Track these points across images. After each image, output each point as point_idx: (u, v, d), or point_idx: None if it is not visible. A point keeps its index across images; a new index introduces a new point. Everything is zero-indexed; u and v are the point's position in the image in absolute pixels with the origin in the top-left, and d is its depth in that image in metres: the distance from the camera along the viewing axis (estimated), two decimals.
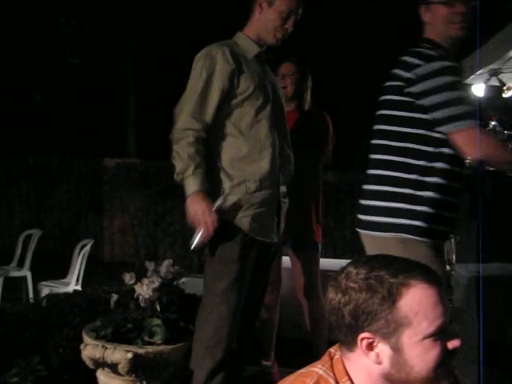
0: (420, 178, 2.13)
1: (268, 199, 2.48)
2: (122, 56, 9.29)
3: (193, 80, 2.44)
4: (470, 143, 2.05)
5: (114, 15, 8.81)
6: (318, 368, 1.30)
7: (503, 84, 4.72)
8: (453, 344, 1.23)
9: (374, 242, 2.20)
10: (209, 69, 2.40)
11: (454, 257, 3.16)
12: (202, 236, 2.30)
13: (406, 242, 2.12)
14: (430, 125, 2.12)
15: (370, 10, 7.74)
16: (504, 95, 4.77)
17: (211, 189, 2.37)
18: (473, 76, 4.57)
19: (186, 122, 2.37)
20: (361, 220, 2.25)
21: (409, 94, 2.14)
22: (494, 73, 4.57)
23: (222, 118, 2.43)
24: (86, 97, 10.23)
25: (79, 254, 5.36)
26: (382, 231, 2.17)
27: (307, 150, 3.24)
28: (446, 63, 2.10)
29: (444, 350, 1.22)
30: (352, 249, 7.14)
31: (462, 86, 2.18)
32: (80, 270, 5.32)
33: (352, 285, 1.24)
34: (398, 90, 2.17)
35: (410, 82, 2.12)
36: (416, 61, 2.12)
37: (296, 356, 3.63)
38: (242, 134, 2.44)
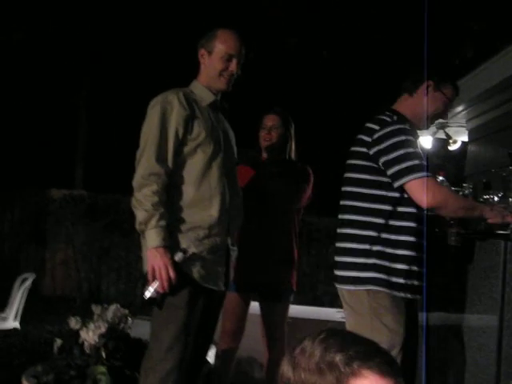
0: (383, 234, 2.31)
1: (217, 247, 2.48)
2: (74, 86, 9.20)
3: (150, 124, 2.43)
4: (421, 192, 2.25)
5: (70, 49, 8.74)
6: None
7: (449, 137, 4.92)
8: None
9: (346, 294, 2.39)
10: (166, 113, 2.41)
11: None
12: (156, 289, 2.29)
13: (373, 294, 2.29)
14: (389, 186, 2.32)
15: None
16: (450, 148, 4.97)
17: None
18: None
19: (149, 167, 2.35)
20: (336, 275, 2.42)
21: (369, 158, 2.33)
22: (441, 126, 4.76)
23: (174, 164, 2.44)
24: (35, 126, 10.03)
25: (19, 287, 5.17)
26: (352, 284, 2.34)
27: (283, 198, 3.27)
28: (398, 126, 2.33)
29: None
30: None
31: (412, 144, 2.35)
32: (19, 305, 5.12)
33: (303, 366, 1.19)
34: (361, 155, 2.37)
35: (369, 146, 2.33)
36: (375, 126, 2.34)
37: None
38: (192, 181, 2.44)
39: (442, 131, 4.78)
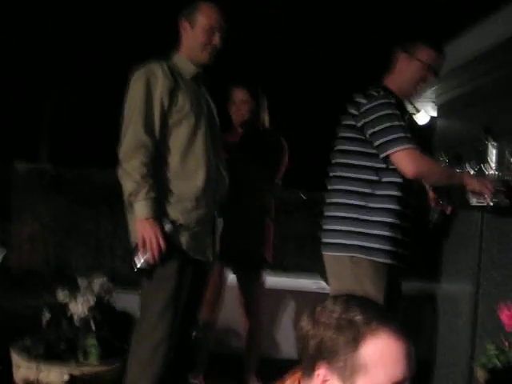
0: (368, 203, 2.43)
1: (204, 218, 2.52)
2: (39, 54, 8.92)
3: (135, 96, 2.43)
4: (406, 162, 2.37)
5: (34, 17, 8.45)
6: None
7: (418, 111, 5.01)
8: None
9: (331, 261, 2.51)
10: (150, 85, 2.41)
11: None
12: (146, 260, 2.31)
13: (356, 261, 2.42)
14: (375, 157, 2.44)
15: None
16: (418, 122, 5.07)
17: None
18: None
19: (137, 138, 2.36)
20: (322, 242, 2.54)
21: (357, 130, 2.45)
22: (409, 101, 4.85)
23: (160, 135, 2.44)
24: None
25: None
26: (337, 251, 2.47)
27: (257, 167, 3.30)
28: (383, 100, 2.44)
29: None
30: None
31: (397, 117, 2.46)
32: None
33: (323, 320, 1.26)
34: (349, 127, 2.49)
35: (356, 119, 2.45)
36: (363, 100, 2.46)
37: (225, 372, 3.67)
38: (178, 153, 2.46)
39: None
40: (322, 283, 5.12)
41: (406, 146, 2.38)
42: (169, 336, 2.40)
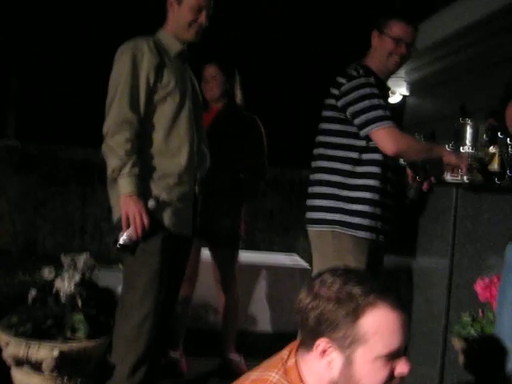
0: (349, 180, 2.52)
1: (186, 195, 2.54)
2: (6, 31, 8.66)
3: (120, 71, 2.41)
4: (386, 140, 2.45)
5: None
6: (272, 374, 1.34)
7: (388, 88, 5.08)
8: (401, 369, 1.31)
9: (314, 235, 2.60)
10: (136, 60, 2.40)
11: None
12: (129, 236, 2.32)
13: (338, 235, 2.50)
14: (355, 135, 2.52)
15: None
16: (389, 100, 5.14)
17: None
18: None
19: (121, 114, 2.35)
20: (306, 218, 2.62)
21: (338, 109, 2.53)
22: None
23: (145, 112, 2.44)
24: None
25: None
26: (318, 225, 2.56)
27: (229, 144, 3.34)
28: (363, 79, 2.51)
29: (391, 373, 1.30)
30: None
31: (377, 95, 2.51)
32: None
33: (323, 293, 1.31)
34: (331, 107, 2.56)
35: (337, 98, 2.52)
36: (343, 80, 2.53)
37: (204, 346, 3.74)
38: (162, 129, 2.47)
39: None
40: (296, 257, 5.21)
41: (386, 125, 2.46)
42: (154, 311, 2.42)
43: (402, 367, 1.31)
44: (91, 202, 7.40)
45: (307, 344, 1.35)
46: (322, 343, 1.31)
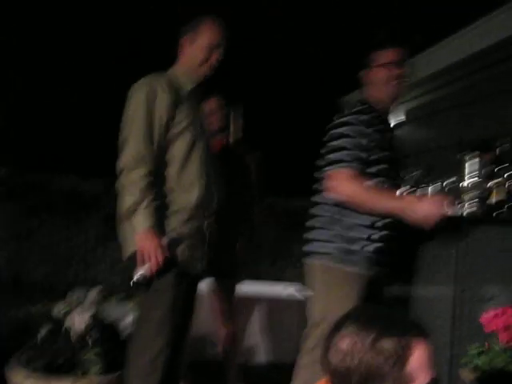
0: (336, 216, 2.50)
1: (197, 230, 2.57)
2: None
3: (135, 108, 2.45)
4: (334, 183, 2.44)
5: None
6: None
7: None
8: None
9: (306, 268, 2.59)
10: (150, 98, 2.44)
11: None
12: (145, 272, 2.33)
13: (327, 269, 2.49)
14: None
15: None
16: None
17: None
18: None
19: (138, 151, 2.38)
20: (303, 251, 2.62)
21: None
22: None
23: (159, 149, 2.46)
24: None
25: None
26: (309, 257, 2.57)
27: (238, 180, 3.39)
28: (346, 118, 2.50)
29: None
30: None
31: (357, 134, 2.48)
32: None
33: (359, 350, 1.33)
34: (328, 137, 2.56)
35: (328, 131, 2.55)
36: (335, 118, 2.55)
37: (202, 379, 3.72)
38: (175, 166, 2.50)
39: None
40: (292, 289, 5.23)
41: (341, 169, 2.41)
42: (167, 347, 2.43)
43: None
44: (78, 232, 7.35)
45: None
46: None
